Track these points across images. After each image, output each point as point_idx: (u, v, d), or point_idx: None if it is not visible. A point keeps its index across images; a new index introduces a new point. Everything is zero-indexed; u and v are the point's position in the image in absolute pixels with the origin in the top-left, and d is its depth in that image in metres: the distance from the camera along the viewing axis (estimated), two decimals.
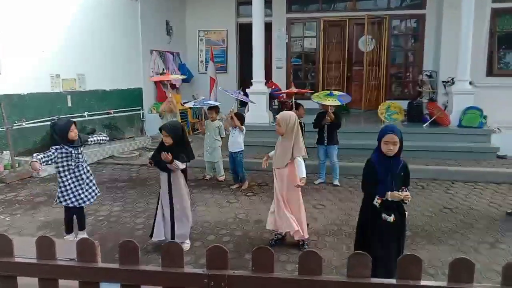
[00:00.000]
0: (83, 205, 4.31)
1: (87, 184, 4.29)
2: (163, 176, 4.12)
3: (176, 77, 8.98)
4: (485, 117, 7.83)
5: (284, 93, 7.87)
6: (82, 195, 4.24)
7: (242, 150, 6.22)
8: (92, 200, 4.36)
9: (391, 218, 3.08)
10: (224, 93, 6.95)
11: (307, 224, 4.40)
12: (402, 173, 3.11)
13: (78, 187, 4.21)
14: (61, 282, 1.75)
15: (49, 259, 1.71)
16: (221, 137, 6.54)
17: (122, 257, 1.68)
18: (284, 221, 4.12)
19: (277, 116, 4.25)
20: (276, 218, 4.17)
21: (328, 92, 6.42)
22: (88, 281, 1.71)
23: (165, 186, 4.11)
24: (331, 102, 6.10)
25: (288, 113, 4.16)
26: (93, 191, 4.35)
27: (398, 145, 3.03)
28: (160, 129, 4.10)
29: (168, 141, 4.01)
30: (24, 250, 1.78)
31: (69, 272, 1.70)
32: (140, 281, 1.68)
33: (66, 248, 1.88)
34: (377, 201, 3.10)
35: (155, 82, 10.16)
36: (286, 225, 4.12)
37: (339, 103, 6.23)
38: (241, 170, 6.25)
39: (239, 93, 6.86)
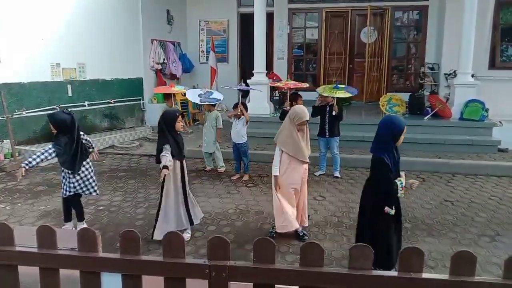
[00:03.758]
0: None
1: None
2: (175, 164, 3.98)
3: (178, 90, 8.27)
4: (486, 110, 7.79)
5: (279, 85, 7.47)
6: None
7: (246, 141, 6.24)
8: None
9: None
10: (225, 86, 6.87)
11: (308, 216, 4.41)
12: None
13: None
14: (62, 271, 1.74)
15: (50, 249, 1.71)
16: (218, 128, 6.50)
17: (123, 247, 1.67)
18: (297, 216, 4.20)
19: (299, 111, 4.01)
20: (290, 216, 4.09)
21: (334, 85, 6.32)
22: (89, 271, 1.70)
23: (178, 172, 4.04)
24: (342, 94, 5.95)
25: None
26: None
27: None
28: (175, 115, 4.03)
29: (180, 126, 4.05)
30: (25, 239, 1.78)
31: (70, 262, 1.70)
32: (141, 271, 1.67)
33: (67, 238, 1.88)
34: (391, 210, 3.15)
35: (156, 72, 10.13)
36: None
37: (351, 94, 6.07)
38: (247, 160, 6.29)
39: (240, 84, 6.69)
